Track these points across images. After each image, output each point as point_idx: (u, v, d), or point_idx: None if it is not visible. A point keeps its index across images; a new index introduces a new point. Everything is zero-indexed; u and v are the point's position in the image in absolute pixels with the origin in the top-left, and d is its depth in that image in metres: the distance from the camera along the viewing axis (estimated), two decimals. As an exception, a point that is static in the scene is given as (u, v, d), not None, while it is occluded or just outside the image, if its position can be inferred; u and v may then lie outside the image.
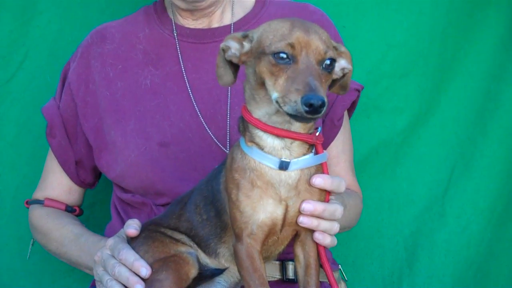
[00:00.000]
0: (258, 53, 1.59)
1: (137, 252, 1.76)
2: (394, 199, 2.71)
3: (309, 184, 1.63)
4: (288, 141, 1.62)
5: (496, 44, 2.71)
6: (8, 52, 2.60)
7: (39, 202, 2.30)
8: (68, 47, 2.41)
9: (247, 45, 1.64)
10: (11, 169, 2.61)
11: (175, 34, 2.20)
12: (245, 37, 1.64)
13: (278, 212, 1.63)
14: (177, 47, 2.19)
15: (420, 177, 2.72)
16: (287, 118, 1.58)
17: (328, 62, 1.56)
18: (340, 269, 2.28)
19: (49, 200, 2.29)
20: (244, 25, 2.20)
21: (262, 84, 1.59)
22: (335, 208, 1.70)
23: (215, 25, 2.21)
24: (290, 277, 2.01)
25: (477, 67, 2.71)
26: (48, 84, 2.53)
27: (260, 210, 1.61)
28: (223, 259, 1.77)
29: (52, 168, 2.30)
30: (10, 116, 2.61)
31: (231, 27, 2.20)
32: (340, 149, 2.26)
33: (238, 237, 1.64)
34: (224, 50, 1.65)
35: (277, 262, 2.00)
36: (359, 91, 2.28)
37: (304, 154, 1.64)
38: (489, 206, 2.71)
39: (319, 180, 1.64)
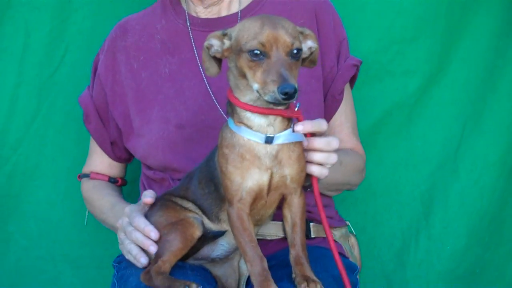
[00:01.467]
0: (237, 50, 1.81)
1: (154, 216, 2.02)
2: (410, 157, 2.80)
3: (290, 151, 1.84)
4: (271, 118, 1.84)
5: (503, 2, 2.75)
6: (50, 49, 2.78)
7: (87, 175, 2.58)
8: (101, 40, 2.54)
9: (227, 42, 1.84)
10: (62, 153, 2.82)
11: (188, 24, 2.36)
12: (224, 35, 1.85)
13: (264, 179, 1.84)
14: (190, 36, 2.36)
15: (433, 136, 2.80)
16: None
17: (295, 51, 1.77)
18: (348, 225, 2.44)
19: (94, 173, 2.56)
20: (249, 12, 2.35)
21: (243, 75, 1.81)
22: (330, 140, 1.90)
23: (224, 13, 2.36)
24: None
25: (485, 25, 2.76)
26: (87, 75, 2.62)
27: (248, 178, 1.83)
28: (225, 224, 2.00)
29: (94, 149, 2.57)
30: (56, 105, 2.80)
31: (238, 15, 2.36)
32: (343, 118, 2.41)
33: (230, 203, 1.87)
34: (208, 48, 1.86)
35: (279, 223, 2.17)
36: (357, 66, 2.40)
37: (285, 129, 1.86)
38: (500, 160, 2.77)
39: (300, 127, 1.86)
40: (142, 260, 2.00)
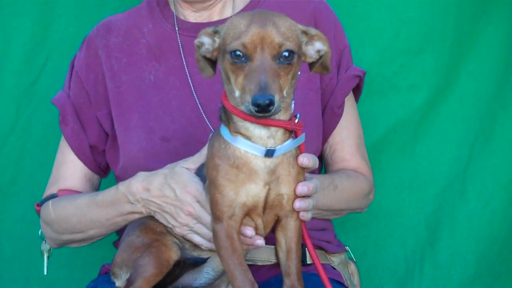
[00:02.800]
0: (223, 50, 1.64)
1: (130, 235, 1.87)
2: (415, 177, 2.72)
3: (290, 167, 1.70)
4: (273, 130, 1.68)
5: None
6: (31, 57, 2.72)
7: (52, 197, 2.24)
8: None
9: (217, 40, 1.68)
10: (41, 167, 2.70)
11: (177, 28, 2.24)
12: (216, 32, 1.68)
13: (261, 196, 1.70)
14: (178, 41, 2.23)
15: (440, 155, 2.71)
16: None
17: (286, 54, 1.59)
18: (348, 250, 2.31)
19: (63, 191, 2.25)
20: None
21: (229, 79, 1.65)
22: (316, 184, 1.77)
23: (215, 18, 2.23)
24: None
25: (495, 37, 2.67)
26: None
27: (243, 194, 1.68)
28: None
29: (64, 159, 2.30)
30: (36, 117, 2.73)
31: None
32: (344, 134, 2.27)
33: (218, 219, 1.70)
34: (198, 46, 1.70)
35: (272, 247, 2.03)
36: (361, 77, 2.27)
37: (285, 141, 1.70)
38: (511, 181, 2.68)
39: (306, 160, 1.72)
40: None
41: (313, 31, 1.68)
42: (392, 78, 2.67)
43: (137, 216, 1.97)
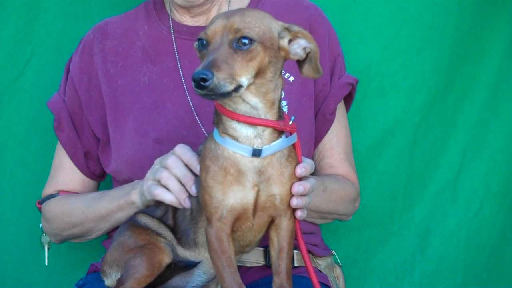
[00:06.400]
0: None
1: (122, 236, 1.87)
2: (409, 183, 2.67)
3: (282, 167, 1.71)
4: (260, 129, 1.69)
5: (511, 20, 2.63)
6: (15, 51, 2.65)
7: (52, 196, 2.32)
8: (72, 43, 2.44)
9: None
10: (21, 166, 2.67)
11: (172, 31, 2.23)
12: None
13: (249, 198, 1.70)
14: (173, 44, 2.22)
15: (434, 160, 2.68)
16: (251, 105, 1.67)
17: (245, 40, 1.61)
18: (334, 254, 2.32)
19: (64, 192, 2.32)
20: None
21: None
22: (313, 183, 1.78)
23: None
24: None
25: (491, 44, 2.65)
26: (54, 81, 2.55)
27: (230, 196, 1.68)
28: (202, 249, 1.85)
29: (62, 164, 2.33)
30: (19, 113, 2.66)
31: None
32: (334, 141, 2.29)
33: (208, 221, 1.72)
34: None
35: (261, 249, 2.08)
36: (353, 85, 2.29)
37: (274, 141, 1.71)
38: (502, 190, 2.67)
39: (303, 171, 1.74)
40: (187, 203, 1.85)
41: (295, 28, 1.69)
42: (391, 78, 2.61)
43: (131, 207, 2.00)
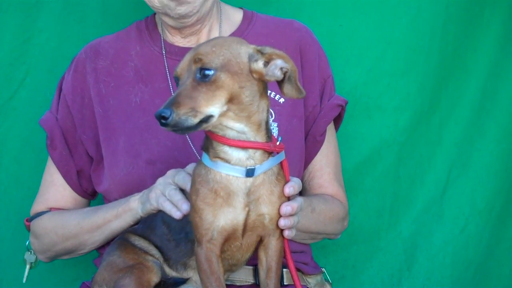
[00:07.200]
0: None
1: (111, 256, 1.88)
2: (395, 201, 2.70)
3: (272, 186, 1.73)
4: (251, 151, 1.71)
5: (494, 42, 2.69)
6: (9, 71, 2.66)
7: (43, 213, 2.29)
8: (66, 63, 2.43)
9: None
10: (16, 183, 2.68)
11: (164, 52, 2.24)
12: None
13: (240, 219, 1.71)
14: (165, 64, 2.23)
15: (419, 178, 2.71)
16: (237, 130, 1.68)
17: (205, 72, 1.63)
18: (324, 272, 2.33)
19: (55, 209, 2.29)
20: None
21: None
22: (300, 203, 1.80)
23: None
24: None
25: (475, 64, 2.69)
26: (49, 100, 2.53)
27: (221, 217, 1.70)
28: (191, 271, 1.87)
29: (53, 181, 2.32)
30: (13, 132, 2.67)
31: None
32: (323, 162, 2.30)
33: (198, 242, 1.73)
34: None
35: (251, 267, 2.07)
36: (343, 106, 2.31)
37: (265, 161, 1.73)
38: (487, 206, 2.70)
39: (291, 190, 1.76)
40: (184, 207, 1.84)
41: (268, 49, 1.69)
42: (377, 99, 2.65)
43: (129, 215, 2.02)
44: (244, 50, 1.67)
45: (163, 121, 1.58)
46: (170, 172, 1.94)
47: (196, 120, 1.60)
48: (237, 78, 1.64)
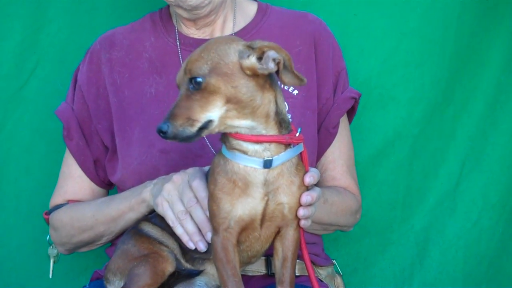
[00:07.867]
0: None
1: (126, 244, 1.88)
2: (408, 194, 2.68)
3: (292, 176, 1.73)
4: (266, 143, 1.71)
5: (509, 34, 2.66)
6: (20, 60, 2.66)
7: (61, 206, 2.29)
8: (77, 53, 2.46)
9: None
10: (26, 174, 2.68)
11: (178, 43, 2.24)
12: None
13: (258, 209, 1.71)
14: (179, 56, 2.24)
15: (433, 171, 2.69)
16: (245, 127, 1.69)
17: (198, 79, 1.63)
18: (335, 263, 2.33)
19: (73, 201, 2.30)
20: (245, 34, 2.23)
21: None
22: (319, 192, 1.81)
23: (217, 34, 2.24)
24: None
25: (489, 57, 2.66)
26: (59, 90, 2.60)
27: (239, 207, 1.70)
28: (208, 265, 1.87)
29: (71, 173, 2.32)
30: (24, 122, 2.67)
31: None
32: (336, 154, 2.29)
33: (215, 231, 1.74)
34: None
35: (263, 258, 2.07)
36: (356, 99, 2.30)
37: (281, 152, 1.72)
38: (500, 200, 2.68)
39: (311, 179, 1.76)
40: (201, 245, 1.86)
41: (258, 43, 1.65)
42: (391, 90, 2.63)
43: (143, 206, 2.01)
44: (233, 49, 1.66)
45: (162, 135, 1.61)
46: (191, 172, 1.92)
47: (194, 129, 1.62)
48: (228, 79, 1.63)
